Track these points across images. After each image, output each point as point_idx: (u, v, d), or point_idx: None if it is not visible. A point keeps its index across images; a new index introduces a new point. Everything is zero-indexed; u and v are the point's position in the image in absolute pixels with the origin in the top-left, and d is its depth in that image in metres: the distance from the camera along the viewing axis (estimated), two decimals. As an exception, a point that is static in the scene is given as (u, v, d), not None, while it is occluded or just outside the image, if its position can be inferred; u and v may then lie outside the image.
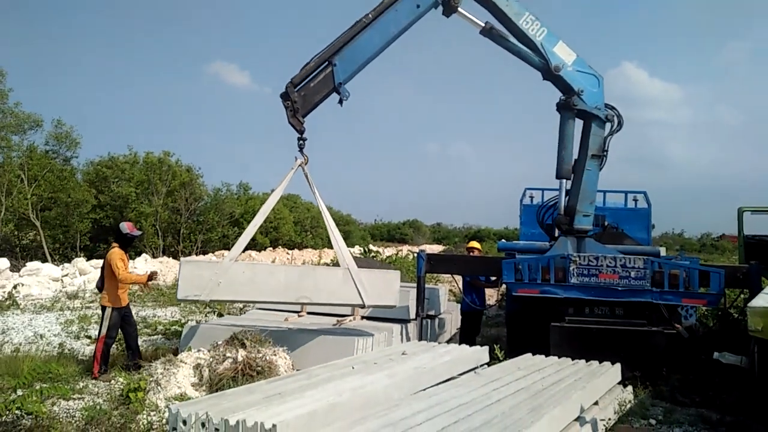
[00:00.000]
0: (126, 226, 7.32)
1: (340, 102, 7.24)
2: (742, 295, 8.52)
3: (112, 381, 6.48)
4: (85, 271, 17.39)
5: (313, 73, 7.15)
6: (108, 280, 7.07)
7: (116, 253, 7.06)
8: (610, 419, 5.28)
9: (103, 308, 7.12)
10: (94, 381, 6.63)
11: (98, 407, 5.34)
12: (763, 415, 5.49)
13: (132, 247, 25.65)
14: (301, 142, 7.23)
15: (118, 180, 26.13)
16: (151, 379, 5.87)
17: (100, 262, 18.75)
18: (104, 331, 6.95)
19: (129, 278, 7.16)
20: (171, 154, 27.97)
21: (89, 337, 9.18)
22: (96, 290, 8.69)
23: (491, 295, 12.55)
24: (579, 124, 8.14)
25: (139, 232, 7.92)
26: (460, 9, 7.72)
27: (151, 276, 7.20)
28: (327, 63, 7.12)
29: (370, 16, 7.23)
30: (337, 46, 7.14)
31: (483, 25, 7.83)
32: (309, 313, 8.50)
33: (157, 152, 27.68)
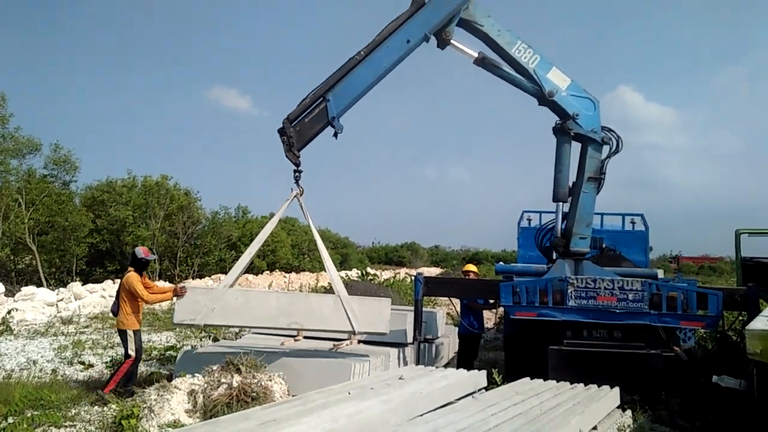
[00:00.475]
0: (141, 251, 7.45)
1: (335, 135, 7.52)
2: (740, 318, 8.48)
3: (105, 408, 6.39)
4: (80, 296, 17.30)
5: (308, 109, 7.46)
6: (125, 304, 7.12)
7: (133, 276, 7.17)
8: (609, 445, 5.21)
9: (121, 332, 7.14)
10: (97, 398, 6.68)
11: (90, 435, 5.26)
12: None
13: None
14: (296, 174, 7.55)
15: (115, 204, 26.14)
16: (144, 405, 5.77)
17: (96, 286, 18.84)
18: (132, 353, 7.04)
19: (154, 298, 7.38)
20: (169, 178, 28.08)
21: (83, 363, 9.08)
22: (110, 314, 8.72)
23: (489, 319, 12.48)
24: (576, 147, 8.18)
25: (154, 256, 8.10)
26: (452, 41, 7.89)
27: (176, 291, 7.15)
28: (321, 99, 7.42)
29: (362, 53, 7.49)
30: (330, 83, 7.43)
31: (476, 55, 7.97)
32: (305, 337, 8.42)
33: (156, 176, 27.79)
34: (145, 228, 26.25)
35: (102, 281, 20.84)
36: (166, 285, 8.05)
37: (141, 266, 7.37)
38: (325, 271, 7.71)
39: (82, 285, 18.94)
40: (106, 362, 8.81)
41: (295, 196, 7.56)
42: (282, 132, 7.41)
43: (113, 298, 7.47)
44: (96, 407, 6.53)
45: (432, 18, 7.65)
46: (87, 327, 13.20)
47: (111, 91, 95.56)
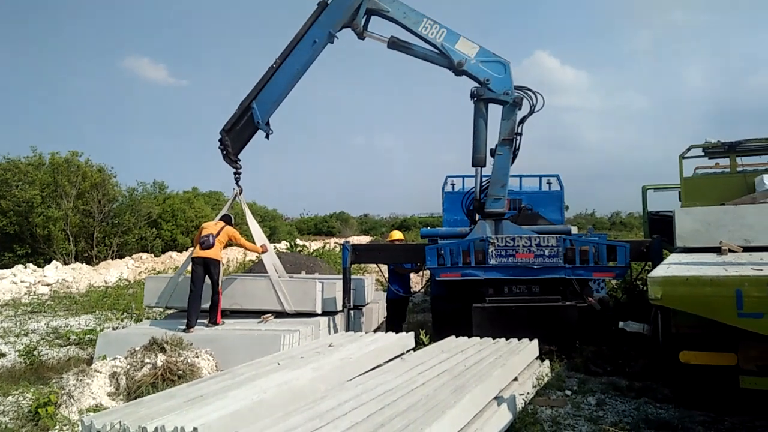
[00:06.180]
0: (232, 218, 8.56)
1: (267, 136, 8.51)
2: (646, 268, 9.08)
3: (20, 397, 6.07)
4: (-13, 283, 16.17)
5: (239, 118, 8.42)
6: (221, 244, 7.84)
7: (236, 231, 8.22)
8: (528, 393, 5.51)
9: (215, 262, 7.66)
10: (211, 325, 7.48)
11: (3, 426, 5.00)
12: (667, 378, 5.91)
13: (41, 255, 24.02)
14: (236, 175, 8.64)
15: (21, 183, 24.37)
16: (62, 392, 5.53)
17: (6, 272, 17.73)
18: (221, 283, 7.76)
19: (251, 247, 8.49)
20: (80, 154, 26.38)
21: (-7, 353, 8.57)
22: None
23: (417, 282, 12.75)
24: (499, 112, 8.31)
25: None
26: (367, 30, 8.40)
27: (264, 248, 8.47)
28: (247, 108, 8.36)
29: (277, 61, 8.27)
30: (254, 93, 8.34)
31: (387, 40, 8.36)
32: (233, 312, 8.32)
33: (65, 153, 26.04)
34: (56, 208, 24.70)
35: (12, 266, 19.55)
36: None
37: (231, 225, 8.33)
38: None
39: (-10, 271, 17.71)
40: (19, 350, 8.33)
41: (236, 195, 8.67)
42: (220, 141, 8.44)
43: (207, 238, 7.80)
44: (10, 397, 6.19)
45: (333, 17, 8.22)
46: (-4, 316, 12.42)
47: (9, 63, 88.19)
